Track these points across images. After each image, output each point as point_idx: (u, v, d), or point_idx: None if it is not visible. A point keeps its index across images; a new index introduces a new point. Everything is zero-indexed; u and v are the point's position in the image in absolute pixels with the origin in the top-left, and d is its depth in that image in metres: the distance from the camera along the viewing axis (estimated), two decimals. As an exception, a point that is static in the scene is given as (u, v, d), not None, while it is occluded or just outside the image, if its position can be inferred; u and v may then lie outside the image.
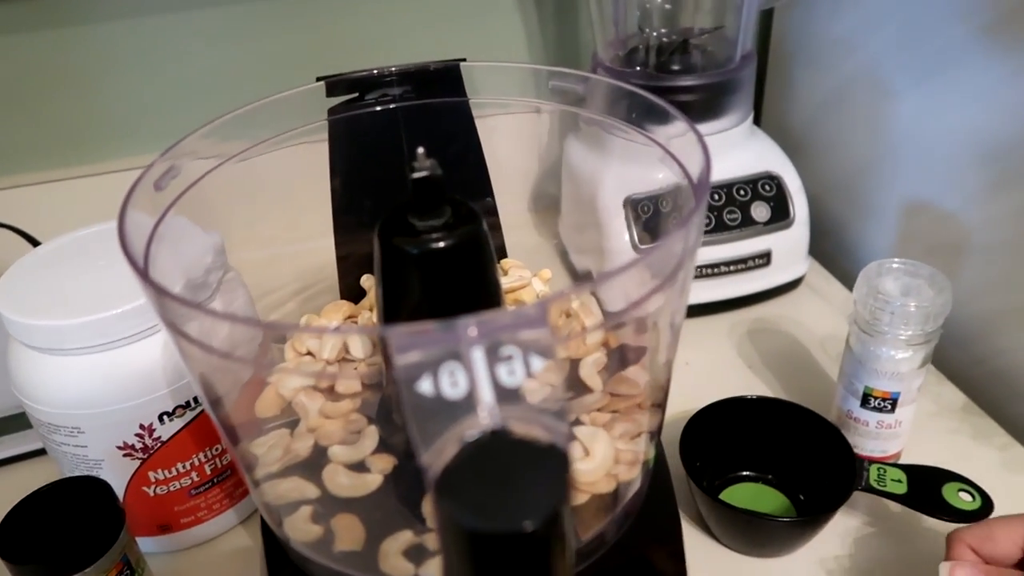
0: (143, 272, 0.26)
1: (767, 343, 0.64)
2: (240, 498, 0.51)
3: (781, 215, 0.65)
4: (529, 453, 0.19)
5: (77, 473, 0.46)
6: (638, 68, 0.67)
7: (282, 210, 0.39)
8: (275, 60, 0.73)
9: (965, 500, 0.44)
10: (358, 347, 0.36)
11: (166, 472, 0.47)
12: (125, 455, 0.45)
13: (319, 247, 0.41)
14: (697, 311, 0.66)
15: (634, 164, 0.59)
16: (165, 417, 0.45)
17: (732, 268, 0.65)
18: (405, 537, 0.30)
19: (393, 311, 0.31)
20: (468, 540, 0.18)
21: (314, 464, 0.32)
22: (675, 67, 0.66)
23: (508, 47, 0.78)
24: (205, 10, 0.69)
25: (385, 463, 0.32)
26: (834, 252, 0.74)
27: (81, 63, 0.70)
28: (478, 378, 0.19)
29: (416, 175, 0.29)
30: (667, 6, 0.68)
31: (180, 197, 0.32)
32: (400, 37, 0.75)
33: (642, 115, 0.34)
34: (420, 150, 0.28)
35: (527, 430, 0.19)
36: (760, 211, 0.65)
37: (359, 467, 0.32)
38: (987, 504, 0.44)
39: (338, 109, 0.38)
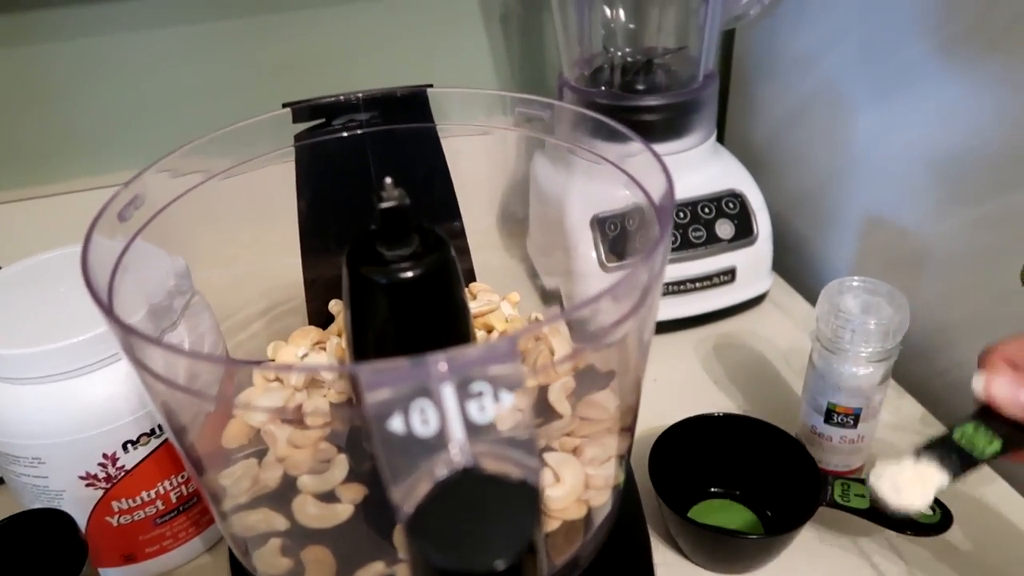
0: (107, 308, 0.25)
1: (732, 358, 0.65)
2: (206, 526, 0.50)
3: (745, 232, 0.66)
4: (500, 490, 0.19)
5: (37, 504, 0.45)
6: (603, 87, 0.67)
7: (249, 232, 0.39)
8: (242, 79, 0.72)
9: (925, 514, 0.45)
10: (326, 373, 0.36)
11: (130, 501, 0.46)
12: (88, 485, 0.44)
13: (286, 267, 0.40)
14: (663, 328, 0.66)
15: (600, 182, 0.60)
16: (129, 445, 0.44)
17: (698, 285, 0.66)
18: (376, 568, 0.30)
19: (361, 338, 0.31)
20: (440, 578, 0.18)
21: (283, 495, 0.32)
22: (639, 86, 0.67)
23: (474, 67, 0.79)
24: (172, 29, 0.69)
25: (355, 493, 0.32)
26: (796, 267, 0.75)
27: (45, 81, 0.68)
28: (449, 416, 0.19)
29: (384, 205, 0.29)
30: (631, 26, 0.69)
31: (144, 227, 0.31)
32: (366, 57, 0.75)
33: (606, 137, 0.35)
34: (388, 180, 0.29)
35: (498, 466, 0.19)
36: (724, 228, 0.66)
37: (329, 497, 0.32)
38: (946, 517, 0.45)
39: (304, 135, 0.38)
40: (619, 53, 0.68)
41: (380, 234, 0.30)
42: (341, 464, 0.33)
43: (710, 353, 0.66)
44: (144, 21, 0.68)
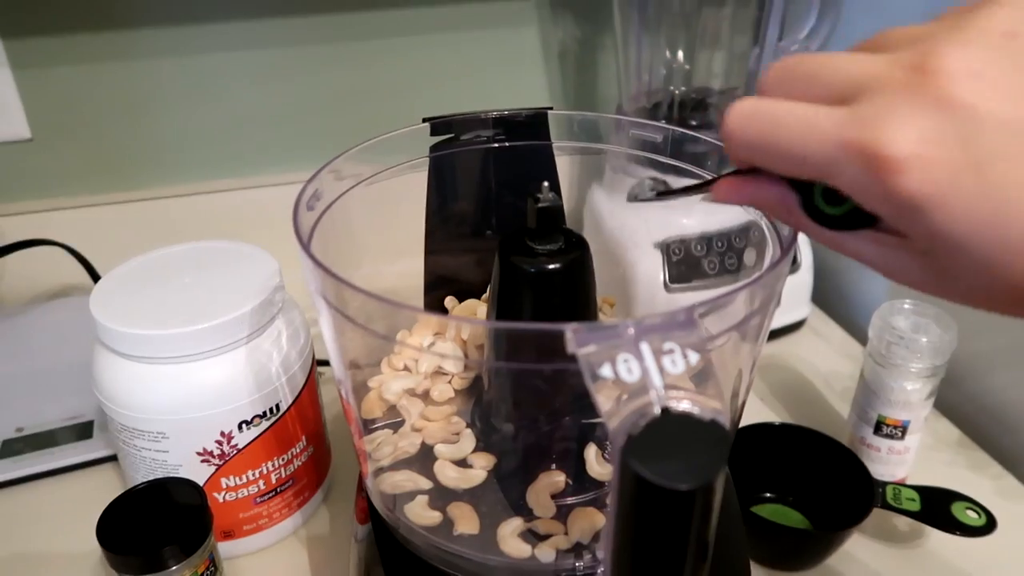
0: (317, 261, 0.30)
1: (776, 378, 0.69)
2: (297, 508, 0.54)
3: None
4: (694, 427, 0.23)
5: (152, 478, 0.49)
6: (662, 121, 0.72)
7: (380, 235, 0.44)
8: (307, 100, 0.77)
9: (972, 517, 0.49)
10: (450, 365, 0.40)
11: (237, 479, 0.49)
12: (203, 461, 0.48)
13: (408, 271, 0.45)
14: (711, 347, 0.71)
15: (662, 210, 0.65)
16: (244, 425, 0.48)
17: (745, 308, 0.70)
18: (517, 523, 0.34)
19: (505, 318, 0.35)
20: (645, 494, 0.22)
21: (424, 460, 0.36)
22: (694, 122, 0.73)
23: (534, 99, 0.84)
24: (247, 52, 0.74)
25: (487, 460, 0.36)
26: (832, 298, 0.80)
27: (134, 95, 0.73)
28: (648, 366, 0.24)
29: (540, 205, 0.33)
30: (687, 67, 0.74)
31: (321, 217, 0.36)
32: (432, 89, 0.80)
33: (717, 164, 0.40)
34: (544, 184, 0.33)
35: (691, 408, 0.23)
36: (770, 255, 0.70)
37: (463, 464, 0.36)
38: (991, 521, 0.49)
39: (437, 147, 0.42)
40: (676, 91, 0.73)
41: (532, 230, 0.34)
42: (469, 437, 0.37)
43: (755, 372, 0.70)
44: (221, 44, 0.73)
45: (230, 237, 0.54)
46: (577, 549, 0.33)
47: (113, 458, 0.59)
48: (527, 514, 0.34)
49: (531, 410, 0.35)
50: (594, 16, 0.82)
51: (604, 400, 0.23)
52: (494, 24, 0.80)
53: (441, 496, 0.35)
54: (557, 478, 0.35)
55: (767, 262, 0.35)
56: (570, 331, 0.24)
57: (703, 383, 0.24)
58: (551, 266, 0.34)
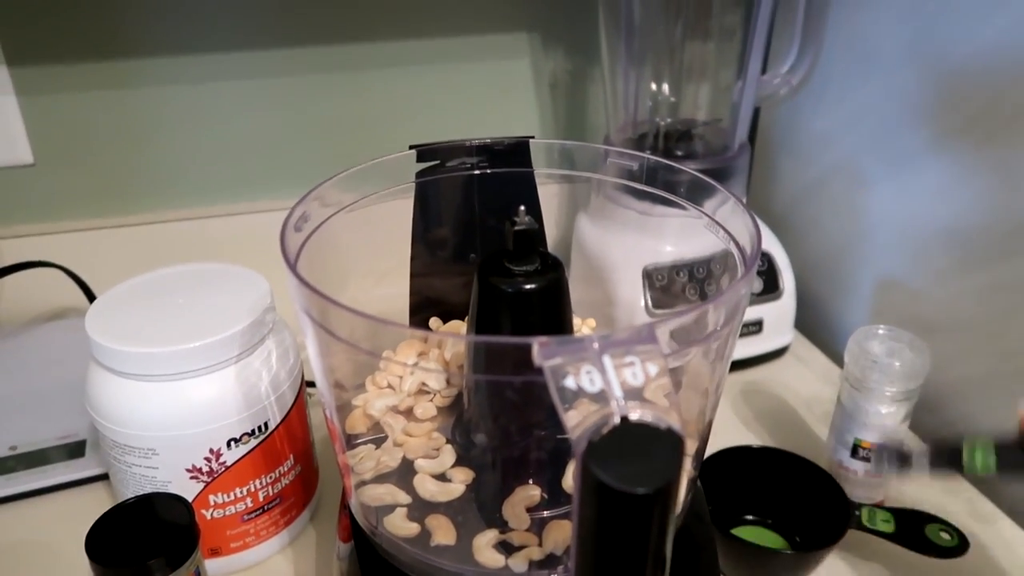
0: (301, 279, 0.31)
1: (759, 403, 0.71)
2: (284, 526, 0.55)
3: (772, 287, 0.73)
4: (651, 435, 0.24)
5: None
6: (647, 151, 0.75)
7: (366, 258, 0.45)
8: (303, 128, 0.80)
9: (945, 538, 0.50)
10: (434, 381, 0.41)
11: (225, 496, 0.50)
12: (192, 477, 0.49)
13: (392, 294, 0.46)
14: (696, 371, 0.72)
15: (645, 237, 0.67)
16: (233, 443, 0.49)
17: (728, 333, 0.71)
18: (492, 534, 0.35)
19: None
20: (605, 498, 0.24)
21: (404, 474, 0.37)
22: (679, 152, 0.75)
23: (524, 128, 0.86)
24: (244, 81, 0.76)
25: (465, 475, 0.37)
26: (815, 325, 0.81)
27: (134, 122, 0.75)
28: (609, 378, 0.25)
29: (517, 228, 0.35)
30: (672, 99, 0.77)
31: (308, 239, 0.37)
32: (423, 117, 0.83)
33: (687, 192, 0.41)
34: (521, 208, 0.35)
35: (648, 417, 0.25)
36: (754, 284, 0.72)
37: (443, 477, 0.37)
38: (964, 543, 0.50)
39: (423, 173, 0.44)
40: (662, 122, 0.76)
41: (510, 252, 0.36)
42: (449, 452, 0.38)
43: (738, 397, 0.71)
44: (221, 73, 0.75)
45: (226, 260, 0.56)
46: (550, 560, 0.34)
47: (105, 476, 0.60)
48: (503, 526, 0.35)
49: (508, 425, 0.36)
50: (584, 49, 0.85)
51: (569, 410, 0.25)
52: (487, 56, 0.82)
53: (420, 509, 0.36)
54: (533, 492, 0.36)
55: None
56: (537, 344, 0.26)
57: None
58: (528, 286, 0.35)
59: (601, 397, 0.25)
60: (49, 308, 0.77)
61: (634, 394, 0.25)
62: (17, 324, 0.77)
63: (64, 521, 0.57)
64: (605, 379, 0.25)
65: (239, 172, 0.80)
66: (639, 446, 0.24)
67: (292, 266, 0.32)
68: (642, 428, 0.24)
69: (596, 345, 0.26)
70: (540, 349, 0.26)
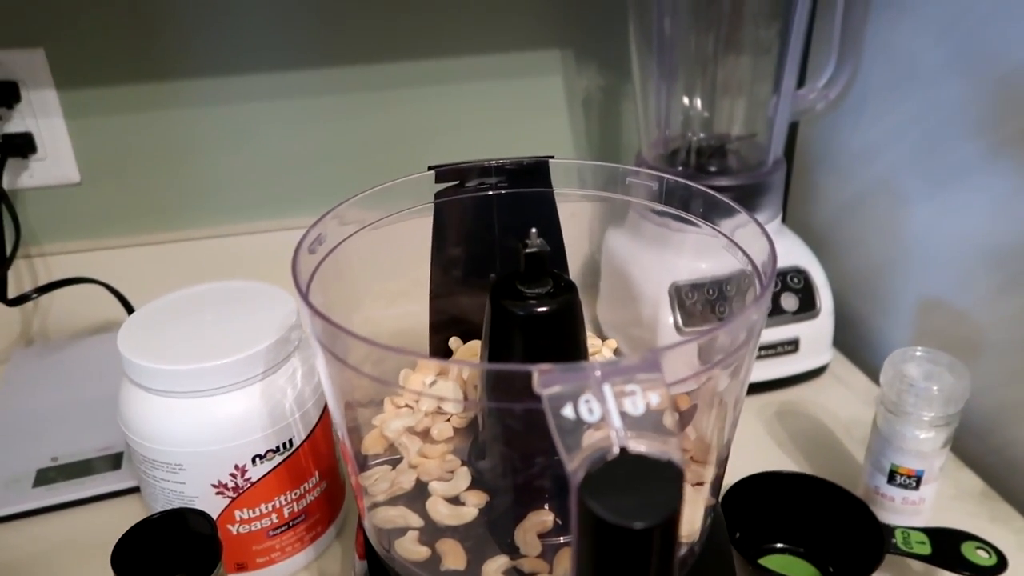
0: (312, 307, 0.31)
1: (795, 424, 0.69)
2: (310, 542, 0.55)
3: (808, 306, 0.71)
4: (650, 467, 0.24)
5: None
6: (680, 168, 0.74)
7: (382, 279, 0.45)
8: (339, 146, 0.81)
9: (982, 557, 0.48)
10: (450, 405, 0.41)
11: (251, 512, 0.51)
12: (218, 493, 0.50)
13: (414, 312, 0.46)
14: (729, 392, 0.71)
15: (676, 255, 0.66)
16: (258, 459, 0.50)
17: (763, 353, 0.70)
18: (502, 560, 0.34)
19: (496, 359, 0.36)
20: (602, 532, 0.23)
21: (417, 497, 0.37)
22: (712, 168, 0.74)
23: (557, 146, 0.86)
24: (281, 101, 0.78)
25: (479, 498, 0.37)
26: (855, 344, 0.79)
27: (173, 141, 0.78)
28: (609, 408, 0.25)
29: (528, 250, 0.35)
30: (706, 114, 0.76)
31: (322, 261, 0.38)
32: (458, 133, 0.83)
33: (707, 211, 0.41)
34: (533, 230, 0.34)
35: (648, 448, 0.24)
36: (789, 302, 0.70)
37: (456, 501, 0.37)
38: (1002, 561, 0.48)
39: (442, 194, 0.44)
40: (695, 137, 0.75)
41: (521, 275, 0.35)
42: (464, 475, 0.38)
43: (773, 418, 0.70)
44: (255, 94, 0.77)
45: (261, 276, 0.57)
46: (559, 588, 0.34)
47: (139, 489, 0.61)
48: (514, 552, 0.35)
49: (520, 449, 0.36)
50: (616, 65, 0.84)
51: (566, 440, 0.24)
52: (520, 74, 0.83)
53: (431, 532, 0.36)
54: (546, 518, 0.36)
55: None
56: (536, 372, 0.25)
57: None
58: (540, 309, 0.35)
59: (600, 427, 0.24)
60: (92, 322, 0.80)
61: (635, 424, 0.25)
62: (62, 338, 0.79)
63: (101, 531, 0.58)
64: (604, 408, 0.25)
65: (274, 190, 0.81)
66: (638, 479, 0.24)
67: (304, 294, 0.33)
68: (641, 460, 0.24)
69: (598, 373, 0.26)
70: (540, 377, 0.25)
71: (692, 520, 0.37)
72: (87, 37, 0.72)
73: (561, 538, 0.35)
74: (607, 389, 0.25)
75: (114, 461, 0.64)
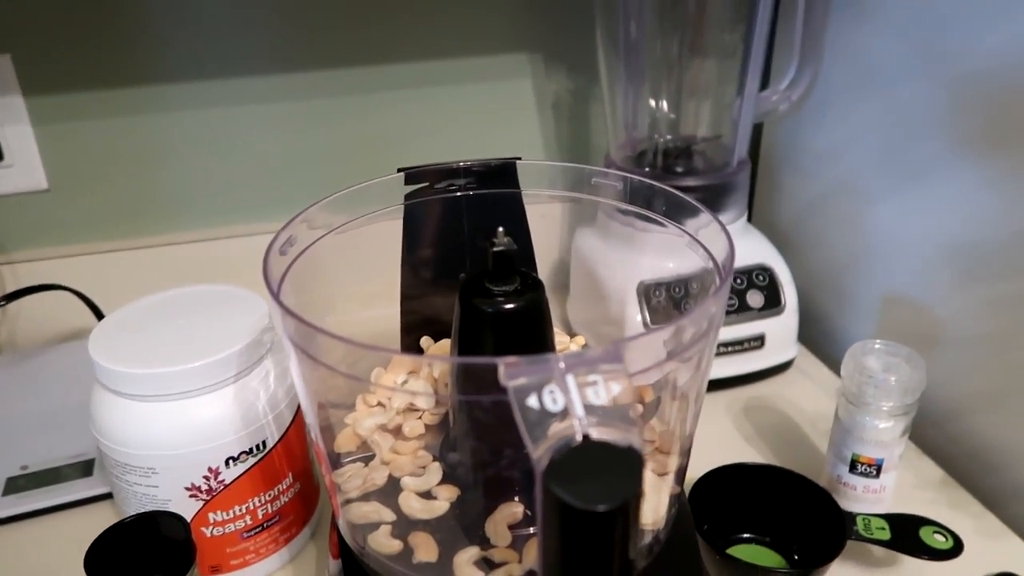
0: (282, 305, 0.32)
1: (762, 419, 0.70)
2: (284, 543, 0.55)
3: (773, 303, 0.73)
4: (612, 453, 0.25)
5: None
6: (647, 168, 0.75)
7: (353, 282, 0.46)
8: (310, 152, 0.81)
9: (940, 541, 0.50)
10: (422, 401, 0.42)
11: (224, 514, 0.51)
12: (191, 496, 0.50)
13: (387, 315, 0.47)
14: (698, 388, 0.72)
15: (643, 254, 0.67)
16: (231, 461, 0.50)
17: (730, 349, 0.71)
18: (473, 551, 0.35)
19: (466, 356, 0.37)
20: (566, 516, 0.24)
21: (389, 492, 0.38)
22: (679, 169, 0.75)
23: (527, 148, 0.87)
24: (252, 106, 0.78)
25: (450, 493, 0.38)
26: (821, 340, 0.81)
27: (143, 148, 0.77)
28: (572, 398, 0.26)
29: (496, 248, 0.35)
30: (672, 116, 0.77)
31: (293, 263, 0.38)
32: (428, 136, 0.84)
33: (671, 210, 0.42)
34: (500, 229, 0.35)
35: (610, 436, 0.25)
36: (755, 298, 0.72)
37: (428, 495, 0.38)
38: (958, 544, 0.50)
39: (412, 196, 0.45)
40: (661, 139, 0.76)
41: (489, 273, 0.36)
42: (435, 470, 0.39)
43: (740, 413, 0.71)
44: (228, 99, 0.77)
45: (233, 281, 0.57)
46: (529, 576, 0.35)
47: (112, 495, 0.61)
48: (484, 543, 0.36)
49: (489, 442, 0.37)
50: (585, 68, 0.86)
51: (531, 429, 0.25)
52: (489, 78, 0.84)
53: (403, 526, 0.37)
54: (516, 509, 0.36)
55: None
56: (502, 364, 0.26)
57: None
58: (507, 306, 0.36)
59: (563, 416, 0.25)
60: (62, 330, 0.79)
61: (597, 413, 0.25)
62: (31, 346, 0.79)
63: (73, 539, 0.58)
64: (568, 399, 0.26)
65: (246, 196, 0.81)
66: (600, 464, 0.25)
67: (275, 293, 0.33)
68: (604, 447, 0.25)
69: (562, 365, 0.27)
70: (506, 370, 0.26)
71: (657, 508, 0.38)
72: (55, 43, 0.72)
73: (530, 529, 0.36)
74: (570, 380, 0.26)
75: (85, 468, 0.63)
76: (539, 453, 0.25)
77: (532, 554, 0.35)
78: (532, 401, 0.25)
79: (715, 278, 0.39)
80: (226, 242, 0.80)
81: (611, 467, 0.24)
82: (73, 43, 0.72)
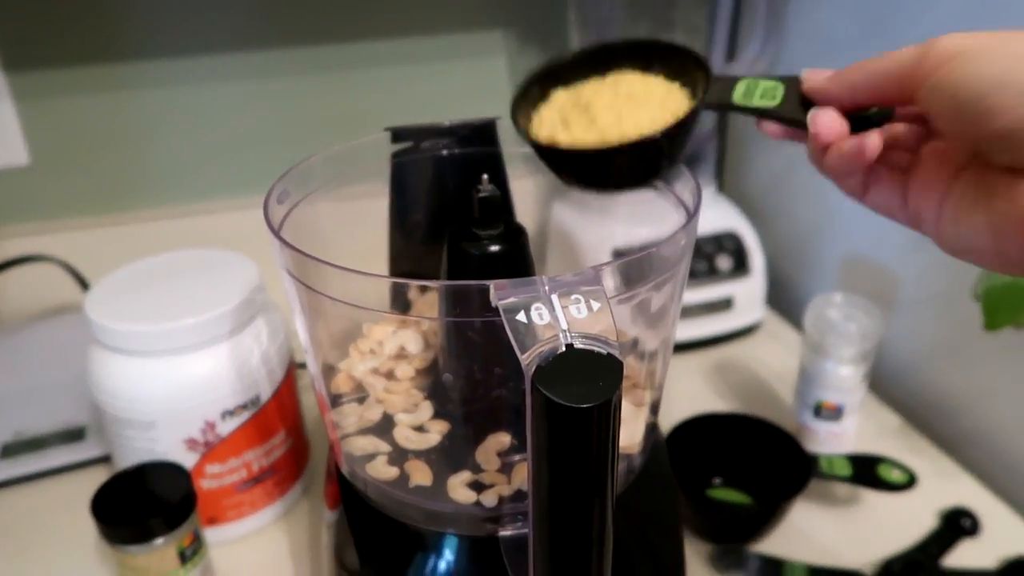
0: (282, 239, 0.34)
1: (732, 377, 0.74)
2: (279, 496, 0.58)
3: (741, 266, 0.76)
4: (593, 360, 0.28)
5: (143, 466, 0.52)
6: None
7: (344, 243, 0.48)
8: (291, 127, 0.83)
9: (896, 475, 0.54)
10: (412, 345, 0.44)
11: (221, 467, 0.53)
12: (189, 449, 0.52)
13: (373, 270, 0.49)
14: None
15: (617, 222, 0.70)
16: (227, 415, 0.52)
17: (700, 311, 0.75)
18: (465, 475, 0.38)
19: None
20: (554, 415, 0.27)
21: (384, 427, 0.40)
22: (649, 141, 0.78)
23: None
24: (235, 82, 0.80)
25: (442, 426, 0.40)
26: (788, 304, 0.84)
27: (126, 123, 0.79)
28: (556, 312, 0.28)
29: (481, 195, 0.38)
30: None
31: (289, 212, 0.40)
32: (402, 111, 0.86)
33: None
34: (484, 176, 0.38)
35: (591, 346, 0.28)
36: (723, 263, 0.75)
37: (420, 430, 0.40)
38: (912, 478, 0.54)
39: (398, 155, 0.47)
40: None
41: (476, 219, 0.39)
42: (427, 407, 0.41)
43: (711, 372, 0.75)
44: (213, 75, 0.79)
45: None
46: (518, 495, 0.37)
47: (104, 460, 0.63)
48: (476, 470, 0.38)
49: (477, 370, 0.39)
50: (558, 45, 0.88)
51: (521, 341, 0.28)
52: (463, 55, 0.86)
53: (399, 456, 0.39)
54: (503, 438, 0.39)
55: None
56: (493, 286, 0.29)
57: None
58: (492, 248, 0.38)
59: (549, 329, 0.28)
60: (48, 304, 0.80)
61: (579, 326, 0.28)
62: (18, 320, 0.80)
63: (67, 502, 0.60)
64: (553, 314, 0.28)
65: (229, 170, 0.83)
66: (583, 370, 0.27)
67: (275, 231, 0.36)
68: (585, 354, 0.28)
69: (547, 287, 0.29)
70: (496, 291, 0.29)
71: (634, 433, 0.41)
72: (35, 19, 0.72)
73: (516, 456, 0.39)
74: (555, 298, 0.29)
75: (76, 435, 0.65)
76: (528, 360, 0.27)
77: (520, 476, 0.38)
78: (521, 316, 0.28)
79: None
80: (210, 216, 0.82)
81: (594, 372, 0.27)
82: (55, 19, 0.73)
